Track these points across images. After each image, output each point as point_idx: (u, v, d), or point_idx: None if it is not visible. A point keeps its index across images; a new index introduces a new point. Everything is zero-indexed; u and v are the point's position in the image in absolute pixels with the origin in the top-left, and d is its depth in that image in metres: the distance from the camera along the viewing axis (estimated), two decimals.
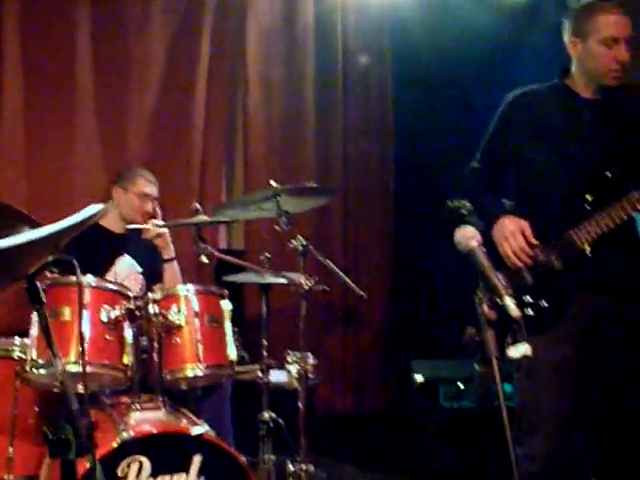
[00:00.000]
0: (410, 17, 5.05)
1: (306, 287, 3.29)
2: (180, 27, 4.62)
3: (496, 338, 2.05)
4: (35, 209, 4.03)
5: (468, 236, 2.21)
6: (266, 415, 3.36)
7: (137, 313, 2.97)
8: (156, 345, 3.02)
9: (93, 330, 2.85)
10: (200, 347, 3.04)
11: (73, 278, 2.90)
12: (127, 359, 2.91)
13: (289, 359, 3.39)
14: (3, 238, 1.56)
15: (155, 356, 3.02)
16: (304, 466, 3.27)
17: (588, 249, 2.78)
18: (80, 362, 2.78)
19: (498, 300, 2.09)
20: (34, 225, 1.76)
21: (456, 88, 4.94)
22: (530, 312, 2.72)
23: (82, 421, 1.55)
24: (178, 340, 3.05)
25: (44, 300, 1.70)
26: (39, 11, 4.22)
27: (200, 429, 2.84)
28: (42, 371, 2.79)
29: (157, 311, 3.02)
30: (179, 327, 3.05)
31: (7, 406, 2.97)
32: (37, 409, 3.07)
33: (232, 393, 3.65)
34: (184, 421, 2.96)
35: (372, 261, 5.25)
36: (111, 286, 3.02)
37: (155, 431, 2.81)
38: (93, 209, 1.61)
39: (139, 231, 3.99)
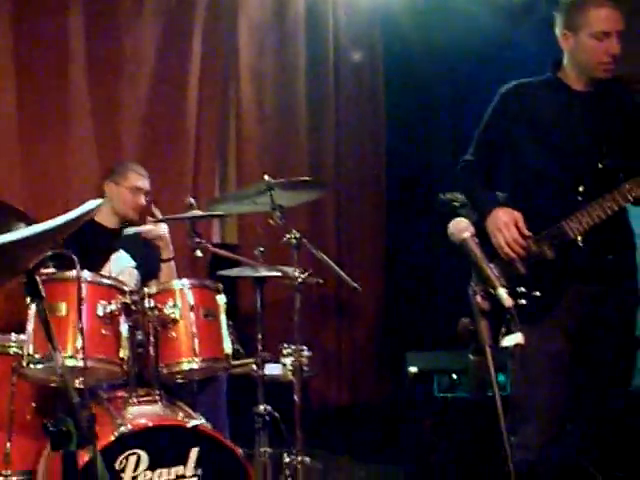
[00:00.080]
0: (401, 10, 5.06)
1: (300, 280, 3.30)
2: (171, 25, 4.61)
3: (490, 328, 2.08)
4: (30, 208, 4.04)
5: (461, 228, 2.23)
6: (262, 408, 3.38)
7: (133, 307, 2.99)
8: (152, 339, 3.03)
9: (89, 325, 2.86)
10: (196, 341, 3.06)
11: (68, 274, 2.92)
12: (123, 353, 2.92)
13: (284, 352, 3.40)
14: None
15: (151, 350, 3.03)
16: (300, 458, 3.28)
17: (580, 239, 2.81)
18: (77, 357, 2.79)
19: (491, 290, 2.11)
20: (30, 223, 1.77)
21: (447, 82, 4.96)
22: (523, 302, 2.75)
23: (83, 413, 1.56)
24: (174, 334, 3.07)
25: (44, 295, 1.71)
26: (31, 11, 4.21)
27: (197, 422, 2.86)
28: (39, 366, 2.80)
29: (153, 305, 3.05)
30: (175, 321, 3.06)
31: (4, 402, 2.98)
32: (34, 404, 3.08)
33: (227, 386, 3.67)
34: (181, 414, 2.98)
35: (365, 254, 5.26)
36: (107, 281, 3.04)
37: (152, 424, 2.83)
38: (91, 204, 1.62)
39: (133, 226, 4.02)
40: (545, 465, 2.83)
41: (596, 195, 2.79)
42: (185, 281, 3.17)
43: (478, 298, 2.10)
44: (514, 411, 2.78)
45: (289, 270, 3.35)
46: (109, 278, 3.11)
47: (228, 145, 5.01)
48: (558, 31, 2.95)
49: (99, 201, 1.65)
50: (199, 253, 3.42)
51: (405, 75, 5.19)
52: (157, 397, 3.02)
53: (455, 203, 3.59)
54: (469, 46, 4.72)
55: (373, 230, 5.35)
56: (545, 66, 3.04)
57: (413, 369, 4.28)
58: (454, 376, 4.18)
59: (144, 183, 3.99)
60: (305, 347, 3.41)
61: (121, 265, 3.81)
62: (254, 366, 3.45)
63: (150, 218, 3.86)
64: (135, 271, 3.83)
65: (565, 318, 2.84)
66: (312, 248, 3.40)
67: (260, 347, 3.45)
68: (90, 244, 3.55)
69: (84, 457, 1.78)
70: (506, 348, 2.07)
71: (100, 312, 2.89)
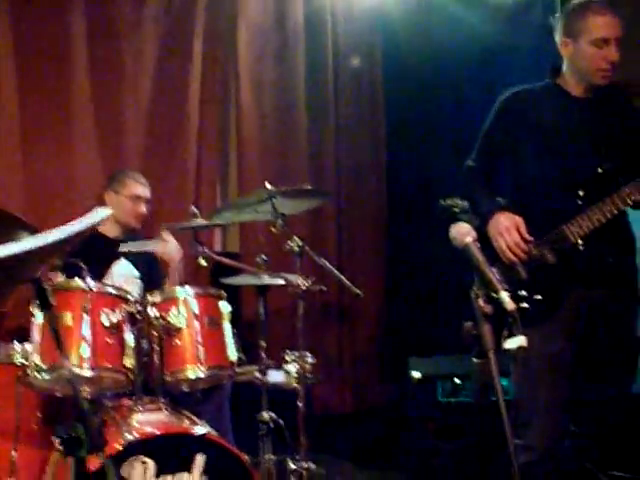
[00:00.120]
0: (400, 17, 5.08)
1: (304, 287, 3.31)
2: (172, 30, 4.65)
3: (493, 332, 2.10)
4: (31, 212, 4.07)
5: (463, 232, 2.25)
6: (265, 415, 3.38)
7: (137, 316, 3.01)
8: (157, 347, 3.05)
9: (94, 334, 2.87)
10: (200, 349, 3.07)
11: (72, 283, 2.95)
12: (128, 362, 2.93)
13: (288, 358, 3.41)
14: (2, 244, 1.58)
15: (156, 358, 3.05)
16: (305, 464, 3.29)
17: (581, 243, 2.84)
18: (82, 366, 2.81)
19: (493, 294, 2.13)
20: (33, 232, 1.78)
21: (447, 87, 4.98)
22: (525, 306, 2.76)
23: (93, 419, 1.58)
24: (178, 342, 3.07)
25: (53, 303, 1.72)
26: (32, 13, 4.24)
27: (202, 429, 2.88)
28: (45, 375, 2.81)
29: (157, 314, 3.06)
30: (179, 329, 3.07)
31: (10, 411, 2.98)
32: (39, 414, 3.08)
33: (230, 394, 3.68)
34: (186, 422, 2.99)
35: (366, 259, 5.26)
36: (111, 290, 3.05)
37: (158, 432, 2.84)
38: (100, 213, 1.63)
39: (135, 234, 4.03)
40: (548, 466, 2.85)
41: (596, 199, 2.81)
42: (189, 289, 3.18)
43: (481, 302, 2.12)
44: (517, 413, 2.80)
45: (292, 278, 3.36)
46: (113, 287, 3.12)
47: (229, 152, 5.04)
48: (558, 38, 2.98)
49: (108, 210, 1.67)
50: (203, 262, 3.43)
51: (404, 80, 5.21)
52: (162, 405, 3.04)
53: (455, 209, 3.61)
54: (468, 51, 4.74)
55: (374, 235, 5.35)
56: (543, 72, 3.07)
57: (416, 374, 4.29)
58: (457, 381, 4.19)
59: (144, 191, 4.01)
60: (309, 353, 3.42)
61: (124, 274, 3.83)
62: (257, 373, 3.46)
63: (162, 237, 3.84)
64: (138, 280, 3.85)
65: (566, 321, 2.86)
66: (314, 255, 3.41)
67: (263, 354, 3.46)
68: (92, 253, 3.55)
69: (94, 463, 1.79)
70: (508, 351, 2.09)
71: (105, 321, 2.90)
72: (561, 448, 2.90)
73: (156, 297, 3.15)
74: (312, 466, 3.30)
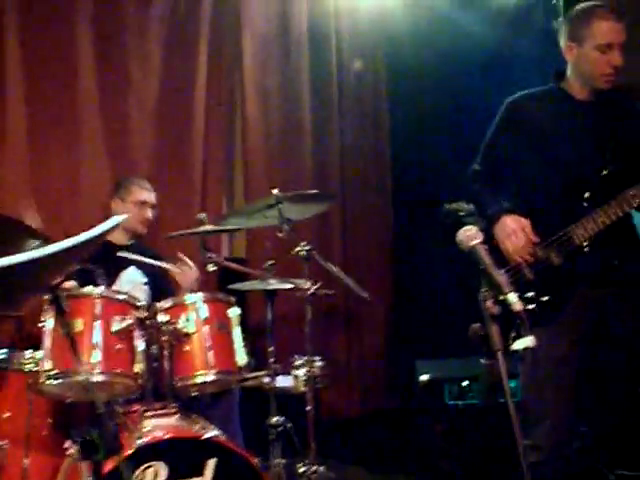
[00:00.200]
0: (403, 25, 5.11)
1: (311, 292, 3.33)
2: (177, 39, 4.69)
3: (501, 333, 2.12)
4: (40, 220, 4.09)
5: (470, 235, 2.28)
6: (275, 420, 3.40)
7: (147, 322, 3.03)
8: (166, 353, 3.06)
9: (104, 340, 2.89)
10: (210, 354, 3.09)
11: (83, 290, 2.97)
12: (138, 367, 2.95)
13: (296, 363, 3.42)
14: (15, 253, 1.60)
15: (166, 364, 3.06)
16: (314, 468, 3.30)
17: (586, 245, 2.86)
18: (93, 372, 2.83)
19: (501, 296, 2.15)
20: (45, 240, 1.80)
21: (450, 93, 5.00)
22: (532, 307, 2.78)
23: (109, 423, 1.60)
24: (188, 347, 3.09)
25: (67, 309, 1.74)
26: (38, 23, 4.28)
27: (213, 433, 2.89)
28: (57, 382, 2.82)
29: (166, 320, 3.08)
30: (188, 335, 3.09)
31: (21, 418, 2.99)
32: (50, 420, 3.08)
33: (239, 399, 3.70)
34: (197, 426, 3.00)
35: (373, 263, 5.27)
36: (121, 296, 3.06)
37: (169, 437, 2.85)
38: (114, 220, 1.65)
39: (142, 242, 4.05)
40: (557, 466, 2.86)
41: (601, 201, 2.84)
42: (198, 295, 3.20)
43: (489, 303, 2.14)
44: (525, 414, 2.82)
45: (300, 282, 3.38)
46: (123, 294, 3.12)
47: (235, 159, 5.06)
48: (562, 42, 3.01)
49: (123, 217, 1.68)
50: (211, 268, 3.44)
51: (407, 87, 5.24)
52: (173, 410, 3.05)
53: (461, 213, 3.63)
54: (471, 58, 4.77)
55: (380, 239, 5.37)
56: (545, 75, 3.09)
57: (423, 377, 4.29)
58: (464, 383, 4.20)
59: (149, 196, 4.04)
60: (318, 358, 3.43)
61: (132, 280, 3.85)
62: (265, 378, 3.47)
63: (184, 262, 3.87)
64: (146, 287, 3.87)
65: (572, 322, 2.87)
66: (321, 260, 3.43)
67: (272, 359, 3.47)
68: (100, 261, 3.58)
69: (108, 466, 1.81)
70: (516, 352, 2.11)
71: (115, 327, 2.92)
72: (569, 448, 2.91)
73: (166, 303, 3.16)
74: (321, 470, 3.32)
